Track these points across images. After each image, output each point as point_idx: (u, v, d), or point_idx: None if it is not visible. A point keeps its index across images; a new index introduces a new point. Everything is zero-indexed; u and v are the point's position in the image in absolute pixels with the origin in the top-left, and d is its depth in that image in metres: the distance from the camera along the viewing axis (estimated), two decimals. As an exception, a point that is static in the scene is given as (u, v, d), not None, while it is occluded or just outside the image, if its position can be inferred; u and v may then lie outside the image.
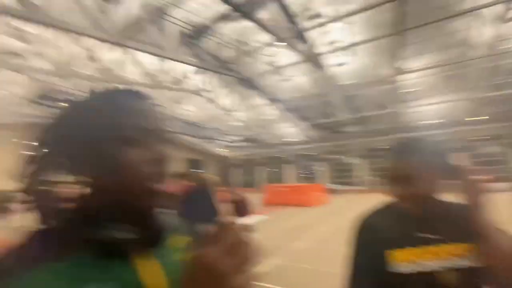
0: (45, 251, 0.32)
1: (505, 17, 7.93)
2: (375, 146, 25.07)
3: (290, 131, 23.10)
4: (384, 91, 17.51)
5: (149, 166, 0.39)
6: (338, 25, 10.40)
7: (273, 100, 13.41)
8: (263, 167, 30.49)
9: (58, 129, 0.39)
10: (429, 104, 14.60)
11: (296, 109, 14.47)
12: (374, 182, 18.18)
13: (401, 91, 13.97)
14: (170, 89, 12.69)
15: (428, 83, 15.71)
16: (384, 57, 13.97)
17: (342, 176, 26.50)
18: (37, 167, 0.37)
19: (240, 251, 0.31)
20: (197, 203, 2.57)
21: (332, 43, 10.87)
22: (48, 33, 7.90)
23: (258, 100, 16.73)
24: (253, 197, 8.45)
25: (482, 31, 10.08)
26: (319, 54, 10.02)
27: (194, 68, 10.67)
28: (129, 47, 8.25)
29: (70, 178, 0.38)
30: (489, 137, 20.38)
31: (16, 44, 8.04)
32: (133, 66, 12.79)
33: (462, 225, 0.61)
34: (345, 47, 10.40)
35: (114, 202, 0.37)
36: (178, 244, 0.46)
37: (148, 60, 11.86)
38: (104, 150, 0.38)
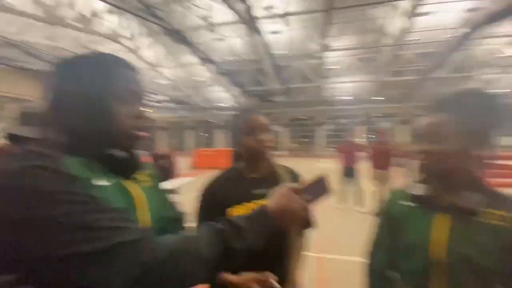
0: (77, 149, 0.49)
1: (413, 12, 9.28)
2: (298, 116, 27.61)
3: (221, 95, 22.65)
4: (310, 65, 18.81)
5: (131, 118, 0.55)
6: (275, -11, 10.16)
7: (205, 60, 12.51)
8: (193, 131, 29.57)
9: (59, 86, 0.52)
10: (343, 82, 16.50)
11: (229, 73, 14.04)
12: (295, 148, 20.21)
13: (324, 67, 15.22)
14: (75, 28, 10.25)
15: (345, 62, 17.64)
16: (313, 32, 14.71)
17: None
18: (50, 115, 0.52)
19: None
20: None
21: (268, 8, 10.63)
22: None
23: (188, 58, 15.40)
24: (182, 161, 8.27)
25: (395, 22, 11.64)
26: (255, 18, 9.69)
27: (109, 6, 8.75)
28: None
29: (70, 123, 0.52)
30: (382, 115, 25.29)
31: None
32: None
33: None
34: (280, 15, 10.35)
35: (107, 138, 0.53)
36: (144, 174, 0.64)
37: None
38: (99, 105, 0.52)
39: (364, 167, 5.00)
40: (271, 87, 17.89)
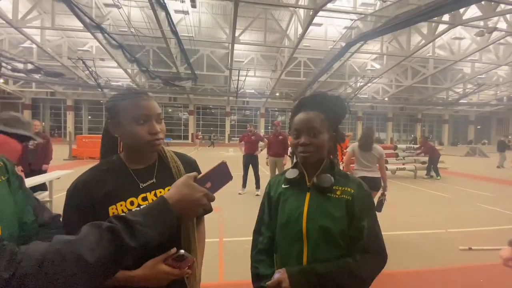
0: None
1: (308, 21, 10.60)
2: (204, 104, 27.33)
3: (116, 71, 19.50)
4: (218, 54, 18.78)
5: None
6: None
7: (95, 27, 10.17)
8: (72, 112, 24.20)
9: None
10: (249, 76, 17.36)
11: (127, 47, 12.11)
12: (198, 136, 19.93)
13: (232, 58, 15.53)
14: None
15: (250, 57, 18.66)
16: (222, 21, 14.69)
17: (172, 130, 26.94)
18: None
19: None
20: None
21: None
22: None
23: (71, 20, 12.29)
24: (58, 149, 6.69)
25: (297, 26, 12.99)
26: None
27: None
28: None
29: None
30: (278, 109, 28.61)
31: None
32: None
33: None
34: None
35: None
36: None
37: None
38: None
39: (262, 155, 5.52)
40: (176, 71, 16.76)
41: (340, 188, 0.77)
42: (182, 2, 10.37)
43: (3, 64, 11.96)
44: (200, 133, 23.35)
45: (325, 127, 0.77)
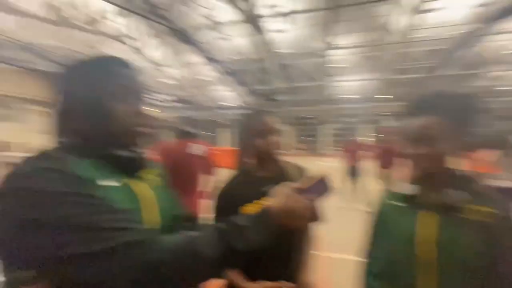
0: (84, 150, 0.52)
1: (418, 9, 9.14)
2: (302, 115, 27.47)
3: (226, 94, 22.70)
4: (314, 64, 18.69)
5: (131, 116, 0.57)
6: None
7: (210, 59, 12.57)
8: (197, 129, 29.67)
9: (63, 90, 0.55)
10: (348, 80, 16.33)
11: (233, 72, 14.08)
12: (300, 147, 20.14)
13: (328, 65, 15.12)
14: (82, 29, 10.41)
15: (350, 61, 17.47)
16: (318, 30, 14.61)
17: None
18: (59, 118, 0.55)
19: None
20: None
21: (272, 7, 10.62)
22: None
23: (193, 58, 15.49)
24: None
25: (400, 19, 11.47)
26: (259, 16, 9.68)
27: (116, 8, 8.87)
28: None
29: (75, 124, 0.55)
30: (390, 113, 24.99)
31: None
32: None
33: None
34: (284, 13, 10.32)
35: (110, 137, 0.55)
36: (152, 173, 0.66)
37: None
38: (99, 105, 0.54)
39: (370, 166, 4.99)
40: (275, 86, 17.85)
41: (477, 208, 0.61)
42: (279, 22, 11.09)
43: (154, 97, 16.49)
44: (299, 143, 23.55)
45: (445, 133, 0.63)
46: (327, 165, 14.48)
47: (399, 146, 4.56)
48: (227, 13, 13.24)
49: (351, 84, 18.24)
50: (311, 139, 27.11)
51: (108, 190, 0.49)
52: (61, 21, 8.89)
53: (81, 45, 12.50)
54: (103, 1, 8.37)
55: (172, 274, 0.43)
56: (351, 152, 5.03)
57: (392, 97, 21.51)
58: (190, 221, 0.73)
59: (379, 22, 12.96)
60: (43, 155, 0.47)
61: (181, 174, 2.19)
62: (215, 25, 10.79)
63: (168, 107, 22.39)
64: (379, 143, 4.87)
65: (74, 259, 0.39)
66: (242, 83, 14.25)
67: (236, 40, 14.64)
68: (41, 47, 11.32)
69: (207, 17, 10.64)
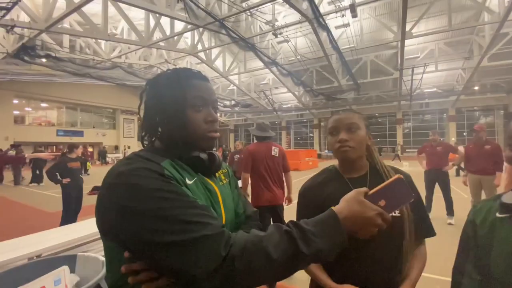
0: (169, 153, 0.61)
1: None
2: (369, 114, 25.01)
3: (287, 96, 22.74)
4: (384, 57, 16.94)
5: (205, 123, 0.63)
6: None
7: (271, 63, 12.83)
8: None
9: (147, 101, 0.64)
10: (427, 72, 14.16)
11: (294, 73, 14.02)
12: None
13: (402, 57, 13.41)
14: (162, 48, 12.02)
15: (429, 49, 15.17)
16: (387, 20, 13.22)
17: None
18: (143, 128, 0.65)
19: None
20: None
21: (334, 2, 10.13)
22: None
23: (255, 63, 16.11)
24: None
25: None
26: (321, 15, 9.36)
27: (186, 25, 9.94)
28: (115, -2, 7.60)
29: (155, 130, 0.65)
30: (478, 107, 20.64)
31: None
32: (119, 20, 11.91)
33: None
34: (347, 7, 9.70)
35: (188, 142, 0.62)
36: (223, 173, 0.75)
37: (135, 15, 11.05)
38: (180, 114, 0.61)
39: (454, 171, 4.22)
40: (338, 84, 16.93)
41: None
42: (343, 16, 10.48)
43: (219, 102, 17.91)
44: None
45: None
46: (401, 169, 12.74)
47: (497, 148, 3.70)
48: (287, 16, 13.31)
49: (430, 76, 15.85)
50: (379, 140, 24.61)
51: (191, 187, 0.57)
52: (143, 42, 10.50)
53: (162, 61, 14.51)
54: (177, 20, 9.49)
55: (241, 270, 0.44)
56: (431, 154, 4.35)
57: (477, 88, 17.81)
58: (251, 219, 0.76)
59: (465, 1, 10.87)
60: (138, 157, 0.55)
61: (272, 174, 2.68)
62: (276, 30, 10.93)
63: (231, 112, 23.79)
64: (469, 144, 4.07)
65: (162, 246, 0.44)
66: (301, 83, 14.01)
67: (296, 41, 14.54)
68: (131, 65, 13.65)
69: (268, 22, 10.88)
